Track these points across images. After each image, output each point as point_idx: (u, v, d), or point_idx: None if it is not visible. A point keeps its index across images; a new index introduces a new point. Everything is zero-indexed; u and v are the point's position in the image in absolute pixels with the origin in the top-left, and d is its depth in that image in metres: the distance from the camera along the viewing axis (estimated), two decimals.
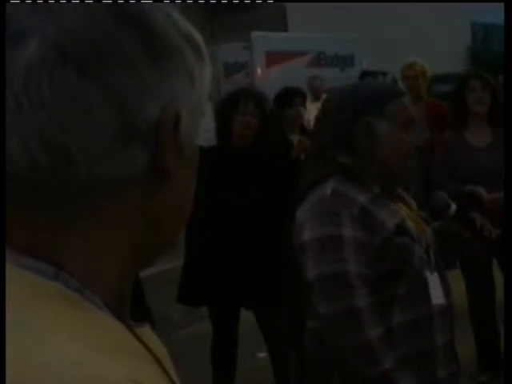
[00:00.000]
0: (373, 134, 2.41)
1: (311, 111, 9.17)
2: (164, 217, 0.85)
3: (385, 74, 10.00)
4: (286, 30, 19.91)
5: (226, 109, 4.30)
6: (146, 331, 0.82)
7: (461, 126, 4.95)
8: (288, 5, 20.70)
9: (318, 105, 9.09)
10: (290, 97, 6.35)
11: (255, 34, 16.18)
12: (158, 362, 0.78)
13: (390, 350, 2.32)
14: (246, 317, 4.56)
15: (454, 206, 2.59)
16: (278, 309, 4.35)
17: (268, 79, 14.86)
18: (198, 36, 0.86)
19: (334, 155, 2.43)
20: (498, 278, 4.94)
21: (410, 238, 2.38)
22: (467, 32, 24.72)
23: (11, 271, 0.74)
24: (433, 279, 2.43)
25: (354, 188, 2.40)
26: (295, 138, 6.31)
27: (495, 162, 4.65)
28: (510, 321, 3.20)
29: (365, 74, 10.47)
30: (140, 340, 0.78)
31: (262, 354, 5.19)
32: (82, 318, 0.74)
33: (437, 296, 2.43)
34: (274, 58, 16.37)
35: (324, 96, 9.64)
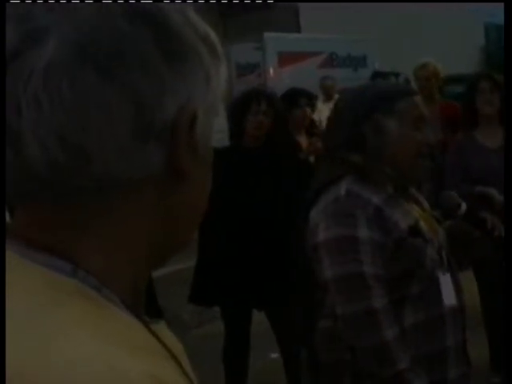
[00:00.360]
0: (382, 133, 2.40)
1: (323, 111, 9.16)
2: (179, 216, 0.86)
3: (397, 75, 9.99)
4: (298, 30, 19.91)
5: (239, 109, 4.30)
6: (161, 328, 0.83)
7: (471, 127, 4.94)
8: (301, 5, 20.70)
9: (331, 105, 9.12)
10: (295, 98, 6.31)
11: (267, 34, 16.21)
12: (175, 357, 0.78)
13: (405, 349, 2.32)
14: (258, 317, 4.56)
15: (464, 206, 2.58)
16: (290, 309, 4.36)
17: (280, 80, 14.88)
18: (213, 36, 0.87)
19: (346, 155, 2.44)
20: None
21: (423, 239, 2.37)
22: (481, 33, 24.67)
23: (29, 268, 0.75)
24: (445, 280, 2.42)
25: (367, 188, 2.39)
26: (302, 139, 6.29)
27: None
28: (510, 322, 3.20)
29: (376, 75, 10.46)
30: (156, 336, 0.79)
31: (275, 355, 5.18)
32: (100, 314, 0.74)
33: (449, 297, 2.42)
34: (287, 58, 16.39)
35: (336, 96, 9.66)
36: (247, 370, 4.57)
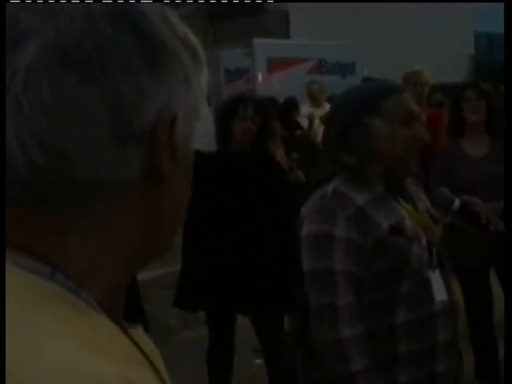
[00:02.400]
0: (369, 133, 2.46)
1: (314, 118, 9.13)
2: (160, 220, 0.86)
3: None
4: (288, 36, 19.94)
5: (226, 114, 4.31)
6: (139, 332, 0.83)
7: (458, 135, 4.96)
8: (291, 12, 20.74)
9: (320, 112, 9.12)
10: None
11: (257, 40, 16.23)
12: (150, 362, 0.78)
13: (364, 352, 2.37)
14: (243, 323, 4.56)
15: (457, 201, 2.59)
16: (275, 315, 4.36)
17: (269, 86, 14.90)
18: (194, 39, 0.87)
19: (339, 155, 2.51)
20: (495, 287, 4.94)
21: (406, 237, 2.41)
22: (470, 41, 24.80)
23: (10, 271, 0.75)
24: (435, 277, 2.48)
25: (354, 188, 2.46)
26: (274, 148, 6.14)
27: (492, 172, 4.66)
28: (510, 324, 3.20)
29: (366, 81, 10.47)
30: (133, 341, 0.78)
31: (258, 361, 5.18)
32: (78, 319, 0.74)
33: (439, 293, 2.48)
34: (276, 64, 16.41)
35: (325, 104, 9.66)
36: (231, 374, 4.57)
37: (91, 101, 0.74)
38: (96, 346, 0.72)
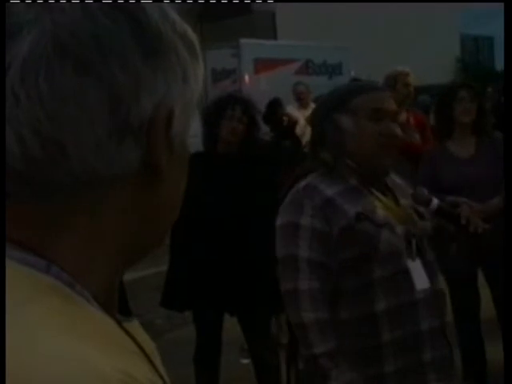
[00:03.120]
0: (340, 129, 2.59)
1: (299, 118, 9.14)
2: (154, 215, 0.86)
3: None
4: (275, 37, 19.95)
5: (213, 114, 4.30)
6: (134, 326, 0.83)
7: (446, 136, 4.94)
8: (277, 12, 20.75)
9: (306, 112, 9.13)
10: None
11: (243, 40, 16.23)
12: (147, 356, 0.78)
13: (327, 336, 2.49)
14: (230, 322, 4.55)
15: (435, 202, 2.62)
16: (262, 315, 4.36)
17: (256, 86, 14.89)
18: (192, 34, 0.87)
19: (317, 151, 2.66)
20: (482, 288, 4.96)
21: (373, 224, 2.50)
22: (457, 43, 24.88)
23: (7, 265, 0.75)
24: (414, 266, 2.55)
25: (327, 181, 2.59)
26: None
27: (478, 172, 4.67)
28: (509, 322, 3.20)
29: (354, 81, 10.48)
30: (129, 334, 0.79)
31: (245, 361, 5.18)
32: (72, 311, 0.74)
33: (420, 281, 2.54)
34: (263, 65, 16.42)
35: (312, 104, 9.67)
36: (218, 374, 4.56)
37: (88, 92, 0.74)
38: (92, 338, 0.71)
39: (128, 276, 5.69)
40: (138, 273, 6.65)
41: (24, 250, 0.76)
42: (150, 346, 0.83)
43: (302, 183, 2.62)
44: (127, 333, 0.79)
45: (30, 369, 0.67)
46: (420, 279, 2.54)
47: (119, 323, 0.80)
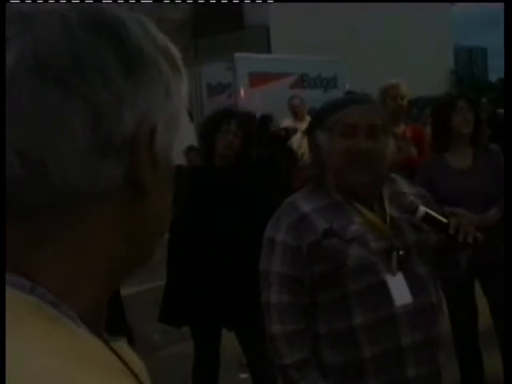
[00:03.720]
0: (318, 147, 2.66)
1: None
2: (140, 231, 0.85)
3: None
4: (269, 51, 19.99)
5: (209, 128, 4.31)
6: (122, 346, 0.82)
7: (443, 147, 4.91)
8: (272, 27, 20.80)
9: (302, 125, 9.15)
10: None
11: (238, 55, 16.25)
12: (135, 376, 0.77)
13: (296, 348, 2.54)
14: (228, 337, 4.54)
15: (421, 210, 2.58)
16: (260, 329, 4.34)
17: (251, 100, 14.90)
18: (174, 49, 0.87)
19: (309, 167, 2.76)
20: (479, 298, 4.95)
21: (342, 239, 2.52)
22: (450, 55, 24.95)
23: None
24: (394, 280, 2.54)
25: (311, 197, 2.67)
26: None
27: (475, 184, 4.66)
28: (509, 324, 3.19)
29: (348, 94, 10.50)
30: (116, 354, 0.77)
31: (244, 375, 5.17)
32: (58, 333, 0.73)
33: (400, 296, 2.53)
34: (258, 79, 16.42)
35: (307, 117, 9.71)
36: None
37: (70, 109, 0.74)
38: (77, 360, 0.70)
39: (125, 291, 5.68)
40: (135, 288, 6.63)
41: (8, 270, 0.75)
42: (138, 365, 0.82)
43: (287, 200, 2.72)
44: (115, 353, 0.77)
45: None
46: (400, 294, 2.52)
47: (107, 343, 0.78)
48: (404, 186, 2.78)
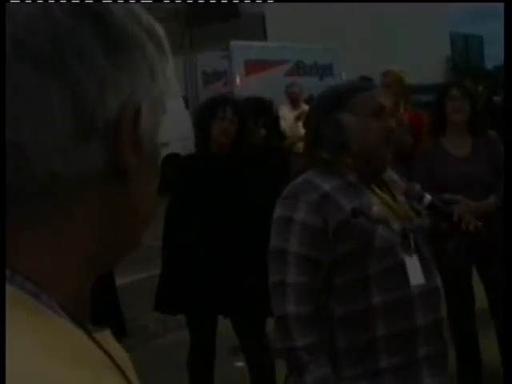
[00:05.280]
0: (340, 128, 2.60)
1: (289, 119, 9.16)
2: (125, 217, 0.82)
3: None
4: (265, 39, 19.99)
5: (204, 115, 4.30)
6: (105, 336, 0.79)
7: (439, 134, 4.93)
8: (267, 14, 20.77)
9: (297, 113, 9.14)
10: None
11: (234, 42, 16.26)
12: (119, 367, 0.75)
13: (308, 331, 2.52)
14: (224, 325, 4.54)
15: (427, 198, 2.63)
16: (257, 317, 4.34)
17: (247, 88, 14.90)
18: (160, 30, 0.84)
19: (315, 151, 2.66)
20: (477, 286, 4.95)
21: (369, 219, 2.53)
22: (446, 43, 24.96)
23: None
24: (411, 261, 2.57)
25: (324, 177, 2.61)
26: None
27: (474, 171, 4.66)
28: (509, 321, 3.19)
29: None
30: (99, 345, 0.75)
31: (240, 364, 5.16)
32: (38, 324, 0.71)
33: (416, 277, 2.56)
34: (253, 66, 16.44)
35: (303, 105, 9.70)
36: (213, 378, 4.54)
37: (49, 92, 0.72)
38: (57, 352, 0.68)
39: (120, 280, 5.68)
40: (130, 277, 6.63)
41: None
42: (122, 356, 0.80)
43: (299, 178, 2.64)
44: (98, 344, 0.75)
45: None
46: (415, 275, 2.56)
47: (89, 333, 0.76)
48: (392, 173, 2.81)
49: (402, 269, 2.54)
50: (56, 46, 0.72)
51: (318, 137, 2.65)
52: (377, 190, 2.63)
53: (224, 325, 4.51)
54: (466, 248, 4.09)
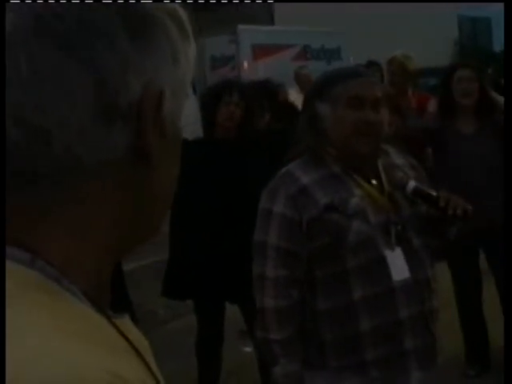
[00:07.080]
0: (320, 117, 2.62)
1: (299, 103, 9.10)
2: (146, 203, 0.82)
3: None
4: (272, 23, 19.89)
5: (211, 99, 4.29)
6: (125, 322, 0.79)
7: (447, 117, 4.89)
8: None
9: None
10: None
11: (241, 27, 16.18)
12: (139, 353, 0.75)
13: (285, 324, 2.56)
14: (232, 311, 4.54)
15: (411, 184, 2.59)
16: None
17: (255, 72, 14.84)
18: (183, 13, 0.84)
19: (304, 138, 2.69)
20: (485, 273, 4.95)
21: (343, 214, 2.52)
22: (454, 25, 24.76)
23: None
24: (392, 255, 2.56)
25: (307, 168, 2.63)
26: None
27: (479, 153, 4.64)
28: (509, 319, 3.19)
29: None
30: (120, 331, 0.75)
31: (248, 349, 5.17)
32: (60, 309, 0.71)
33: (398, 271, 2.55)
34: (261, 51, 16.36)
35: None
36: (220, 363, 4.56)
37: (72, 73, 0.71)
38: (79, 337, 0.68)
39: (128, 266, 5.68)
40: (138, 262, 6.63)
41: (9, 243, 0.72)
42: (142, 342, 0.80)
43: (282, 170, 2.67)
44: (118, 330, 0.75)
45: (16, 369, 0.63)
46: (398, 268, 2.55)
47: (109, 319, 0.75)
48: (397, 158, 2.79)
49: (382, 262, 2.53)
50: (80, 28, 0.72)
51: (306, 124, 2.68)
52: (361, 181, 2.60)
53: (232, 310, 4.52)
54: (470, 233, 4.05)
